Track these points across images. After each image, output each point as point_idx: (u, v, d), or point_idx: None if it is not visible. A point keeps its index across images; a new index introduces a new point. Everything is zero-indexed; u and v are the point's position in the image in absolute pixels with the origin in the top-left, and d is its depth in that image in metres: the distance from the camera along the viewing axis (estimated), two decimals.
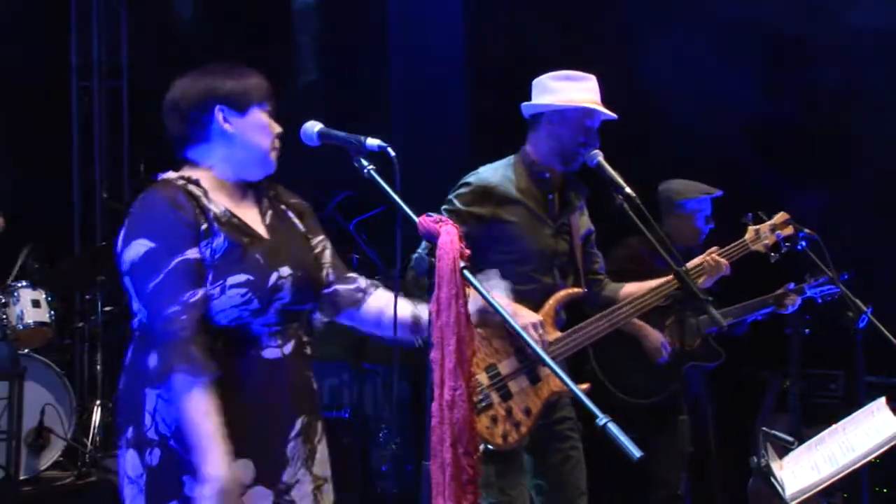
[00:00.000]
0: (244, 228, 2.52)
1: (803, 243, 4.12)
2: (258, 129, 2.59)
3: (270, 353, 2.48)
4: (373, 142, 2.55)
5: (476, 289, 2.33)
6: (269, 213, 2.63)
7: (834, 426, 3.51)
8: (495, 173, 3.73)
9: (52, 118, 7.14)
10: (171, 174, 2.56)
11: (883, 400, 3.55)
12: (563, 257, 3.77)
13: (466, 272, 2.32)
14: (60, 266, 6.35)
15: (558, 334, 3.68)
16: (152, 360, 2.37)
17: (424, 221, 2.38)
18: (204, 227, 2.44)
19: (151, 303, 2.38)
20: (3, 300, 5.64)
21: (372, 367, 6.15)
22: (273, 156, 2.63)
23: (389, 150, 2.52)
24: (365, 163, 2.54)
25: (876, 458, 3.41)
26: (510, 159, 3.79)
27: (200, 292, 2.38)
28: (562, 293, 3.72)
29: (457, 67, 6.91)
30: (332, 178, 6.63)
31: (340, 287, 2.72)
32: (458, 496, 2.23)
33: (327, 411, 5.87)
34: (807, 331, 4.96)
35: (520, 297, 3.63)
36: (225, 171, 2.58)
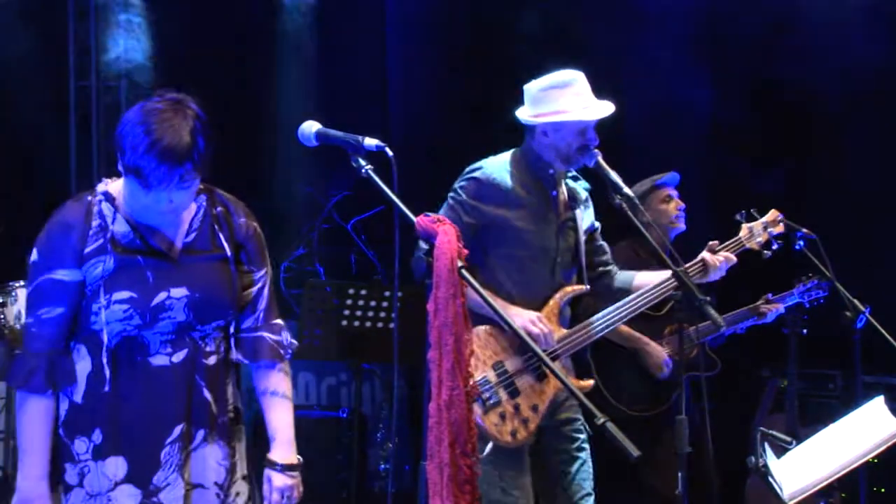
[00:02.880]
0: (145, 248, 2.57)
1: (801, 243, 4.12)
2: (136, 195, 2.54)
3: (159, 360, 2.57)
4: (371, 142, 2.55)
5: (474, 288, 2.33)
6: (195, 233, 2.64)
7: (831, 426, 3.52)
8: (499, 167, 3.72)
9: (50, 118, 7.13)
10: (99, 185, 2.63)
11: (881, 399, 3.56)
12: (566, 253, 3.77)
13: (464, 272, 2.31)
14: None
15: (563, 331, 3.69)
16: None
17: (422, 221, 2.38)
18: (93, 247, 2.53)
19: (28, 309, 2.59)
20: (2, 300, 5.64)
21: (370, 367, 6.15)
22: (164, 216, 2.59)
23: (387, 150, 2.53)
24: (363, 163, 2.54)
25: (874, 457, 3.42)
26: (514, 153, 3.78)
27: (59, 310, 2.54)
28: (566, 289, 3.72)
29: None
30: (329, 178, 6.71)
31: (267, 336, 2.74)
32: (455, 496, 2.23)
33: (325, 411, 5.87)
34: (804, 330, 4.96)
35: (523, 291, 3.64)
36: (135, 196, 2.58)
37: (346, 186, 6.56)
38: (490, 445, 3.52)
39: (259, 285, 2.74)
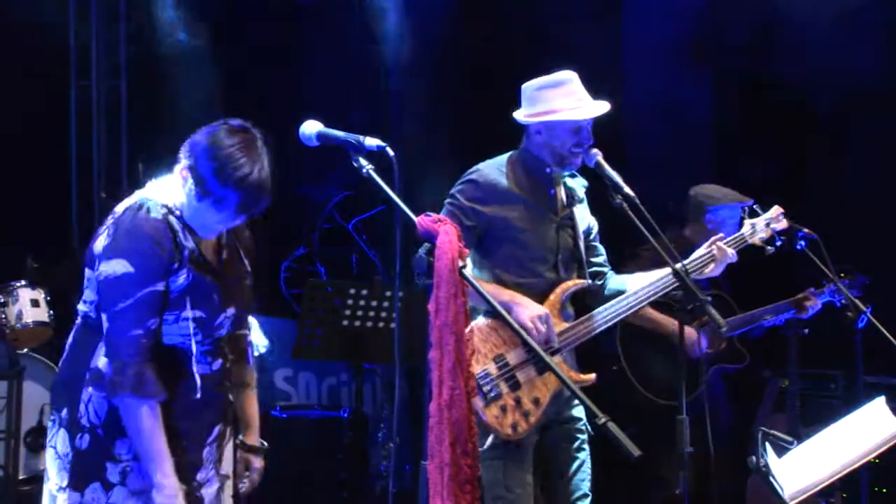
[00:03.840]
0: (206, 266, 2.73)
1: (802, 243, 4.12)
2: (204, 214, 2.69)
3: (201, 368, 2.75)
4: (372, 141, 2.56)
5: (475, 288, 2.33)
6: (226, 251, 2.82)
7: (833, 426, 3.52)
8: (495, 169, 3.74)
9: (50, 118, 7.13)
10: (155, 197, 2.71)
11: (882, 399, 3.55)
12: (566, 251, 3.78)
13: (465, 271, 2.32)
14: (59, 265, 6.34)
15: (565, 325, 3.69)
16: (103, 364, 2.66)
17: (423, 221, 2.39)
18: (176, 264, 2.66)
19: (115, 320, 2.64)
20: (3, 300, 5.64)
21: (371, 367, 6.15)
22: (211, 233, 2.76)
23: (388, 149, 2.53)
24: (364, 162, 2.56)
25: (875, 457, 3.42)
26: (510, 155, 3.80)
27: (157, 320, 2.67)
28: (567, 284, 3.73)
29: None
30: (329, 179, 6.71)
31: (248, 335, 3.03)
32: (456, 496, 2.24)
33: (326, 411, 5.87)
34: (805, 330, 4.96)
35: (524, 290, 3.65)
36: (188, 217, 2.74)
37: (347, 186, 6.58)
38: (491, 438, 3.53)
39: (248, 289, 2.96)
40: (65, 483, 2.70)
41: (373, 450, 6.08)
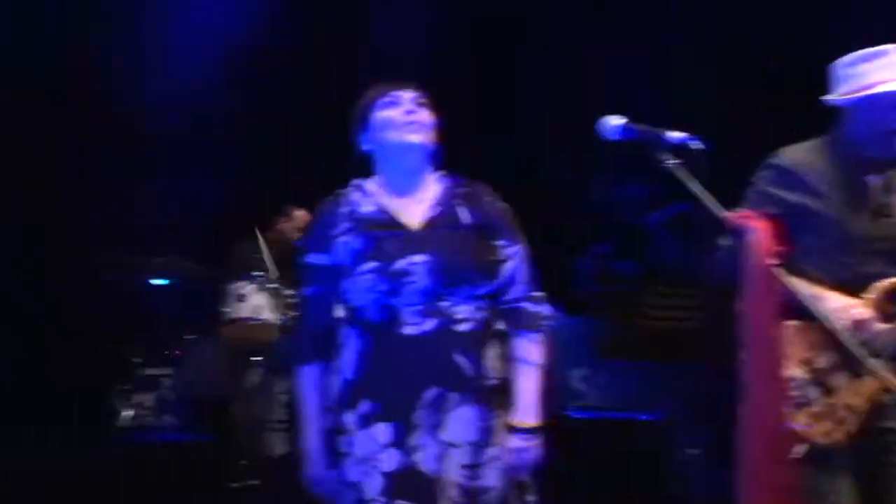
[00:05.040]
0: (389, 223, 2.85)
1: None
2: (381, 127, 2.87)
3: (410, 330, 2.75)
4: (675, 135, 2.49)
5: (789, 288, 2.22)
6: (438, 208, 2.88)
7: None
8: (798, 154, 3.52)
9: None
10: (354, 182, 2.96)
11: None
12: (882, 242, 3.51)
13: (779, 269, 2.21)
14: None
15: (887, 326, 3.44)
16: None
17: (732, 217, 2.30)
18: (341, 230, 2.85)
19: (300, 292, 2.96)
20: (246, 291, 5.77)
21: (675, 368, 6.04)
22: (409, 137, 2.84)
23: (695, 143, 2.45)
24: (667, 157, 2.49)
25: None
26: (819, 140, 3.56)
27: (317, 290, 2.87)
28: (889, 281, 3.46)
29: None
30: (632, 174, 6.65)
31: (527, 306, 2.92)
32: None
33: (625, 412, 5.82)
34: None
35: (832, 286, 3.42)
36: (385, 176, 2.91)
37: (651, 182, 6.48)
38: (801, 446, 3.35)
39: (516, 260, 2.90)
40: None
41: (674, 455, 5.97)
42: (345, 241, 2.83)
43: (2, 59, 6.53)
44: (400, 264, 2.75)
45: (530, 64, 7.41)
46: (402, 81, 2.92)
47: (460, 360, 2.78)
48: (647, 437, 5.64)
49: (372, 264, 2.77)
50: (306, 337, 2.89)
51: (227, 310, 5.85)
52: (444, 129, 2.86)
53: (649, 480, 5.32)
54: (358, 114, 2.90)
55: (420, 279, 2.74)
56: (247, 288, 5.66)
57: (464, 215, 2.88)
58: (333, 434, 2.83)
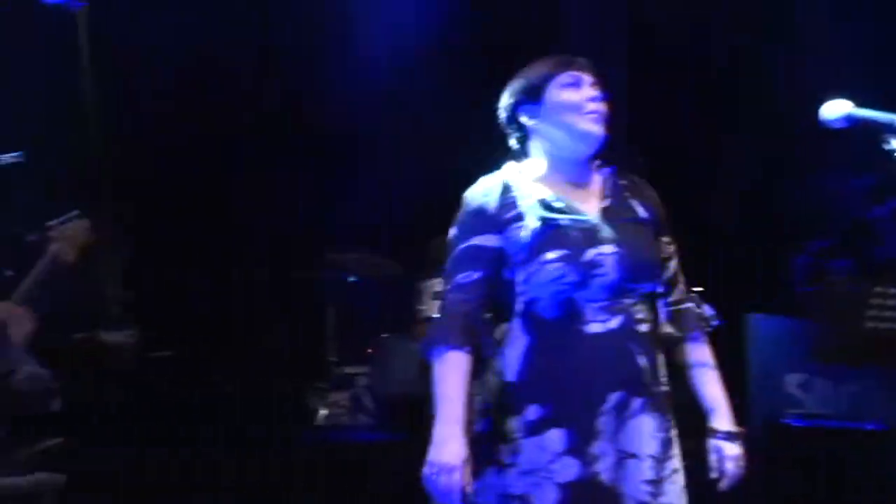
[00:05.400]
0: (567, 210, 2.64)
1: None
2: (560, 109, 2.67)
3: (594, 327, 2.57)
4: None
5: None
6: (610, 199, 2.71)
7: None
8: None
9: None
10: (510, 164, 2.77)
11: None
12: None
13: None
14: None
15: None
16: None
17: None
18: (510, 215, 2.62)
19: (445, 281, 2.67)
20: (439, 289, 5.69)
21: None
22: (590, 126, 2.67)
23: None
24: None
25: None
26: None
27: (476, 275, 2.61)
28: None
29: None
30: (855, 164, 6.23)
31: (693, 307, 2.80)
32: None
33: (845, 421, 5.46)
34: None
35: None
36: (550, 161, 2.72)
37: (877, 171, 6.07)
38: None
39: (676, 258, 2.78)
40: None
41: None
42: (519, 226, 2.61)
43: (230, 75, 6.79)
44: (590, 254, 2.57)
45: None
46: (577, 58, 2.74)
47: (643, 362, 2.61)
48: (872, 447, 5.28)
49: (559, 252, 2.56)
50: (456, 322, 2.60)
51: (423, 308, 5.81)
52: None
53: (874, 493, 4.97)
54: (526, 83, 2.72)
55: (610, 272, 2.58)
56: None
57: (638, 208, 2.73)
58: (483, 440, 2.61)
